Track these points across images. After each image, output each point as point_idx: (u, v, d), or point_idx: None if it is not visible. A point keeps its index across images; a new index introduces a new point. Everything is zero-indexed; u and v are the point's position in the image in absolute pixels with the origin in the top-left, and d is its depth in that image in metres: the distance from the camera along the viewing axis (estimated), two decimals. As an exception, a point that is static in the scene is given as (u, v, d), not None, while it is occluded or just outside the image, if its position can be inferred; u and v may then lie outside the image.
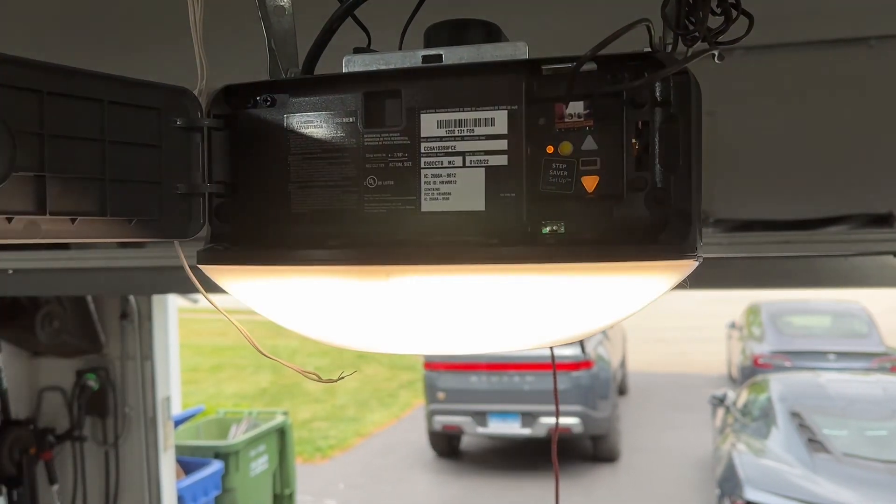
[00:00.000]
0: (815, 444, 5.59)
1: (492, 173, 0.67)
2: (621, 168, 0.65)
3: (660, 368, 13.62)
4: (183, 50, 0.77)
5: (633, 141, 0.65)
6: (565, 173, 0.66)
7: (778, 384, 6.63)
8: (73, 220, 0.64)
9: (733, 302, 12.99)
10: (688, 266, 0.66)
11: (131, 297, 3.50)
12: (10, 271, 2.44)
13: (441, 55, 0.71)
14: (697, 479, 7.76)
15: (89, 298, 3.44)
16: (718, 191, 1.79)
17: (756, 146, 1.81)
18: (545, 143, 0.66)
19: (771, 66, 1.73)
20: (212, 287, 0.77)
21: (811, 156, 1.80)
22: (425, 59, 0.72)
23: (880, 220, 1.77)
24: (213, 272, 0.74)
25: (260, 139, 0.73)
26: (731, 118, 1.74)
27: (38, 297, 3.37)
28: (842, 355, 9.81)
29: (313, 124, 0.72)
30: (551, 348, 1.01)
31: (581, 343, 7.77)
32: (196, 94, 0.73)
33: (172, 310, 4.08)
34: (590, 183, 0.66)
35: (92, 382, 3.50)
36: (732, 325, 12.29)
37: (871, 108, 1.74)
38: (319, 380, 0.76)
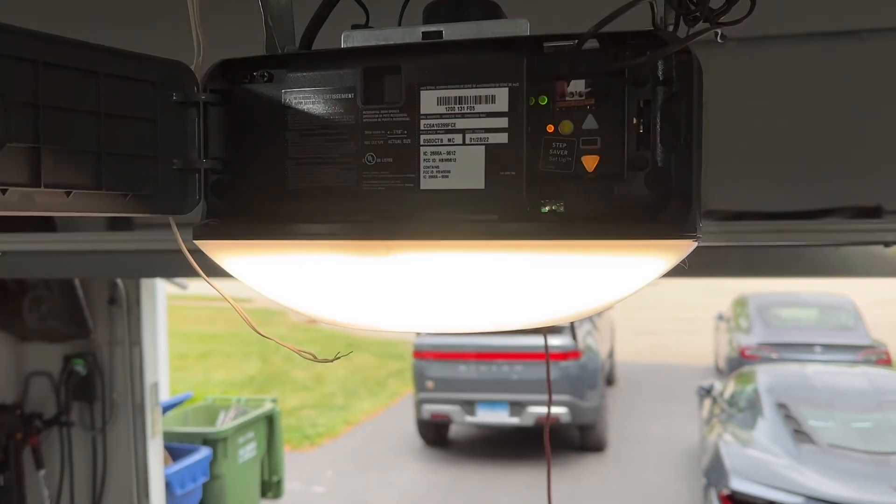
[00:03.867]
0: (800, 435, 5.63)
1: (492, 151, 0.66)
2: (622, 147, 0.65)
3: (647, 359, 13.67)
4: (180, 25, 0.76)
5: (635, 120, 0.65)
6: (565, 152, 0.65)
7: (765, 375, 6.67)
8: (67, 194, 0.64)
9: (721, 293, 13.04)
10: (687, 246, 0.66)
11: (119, 282, 3.47)
12: (-2, 254, 2.41)
13: (441, 31, 0.70)
14: (684, 469, 7.81)
15: (77, 283, 3.41)
16: (711, 181, 1.79)
17: (748, 138, 1.81)
18: (546, 121, 0.66)
19: (763, 58, 1.73)
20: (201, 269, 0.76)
21: (802, 148, 1.80)
22: (425, 35, 0.71)
23: (869, 213, 1.77)
24: (210, 247, 0.73)
25: (257, 115, 0.73)
26: (724, 109, 1.73)
27: (26, 280, 3.34)
28: (828, 347, 9.88)
29: (311, 100, 0.71)
30: (545, 336, 1.01)
31: (573, 332, 7.79)
32: (193, 69, 0.72)
33: (161, 296, 4.06)
34: (590, 162, 0.65)
35: (79, 368, 3.47)
36: (720, 317, 12.35)
37: (862, 101, 1.75)
38: (315, 359, 0.76)
